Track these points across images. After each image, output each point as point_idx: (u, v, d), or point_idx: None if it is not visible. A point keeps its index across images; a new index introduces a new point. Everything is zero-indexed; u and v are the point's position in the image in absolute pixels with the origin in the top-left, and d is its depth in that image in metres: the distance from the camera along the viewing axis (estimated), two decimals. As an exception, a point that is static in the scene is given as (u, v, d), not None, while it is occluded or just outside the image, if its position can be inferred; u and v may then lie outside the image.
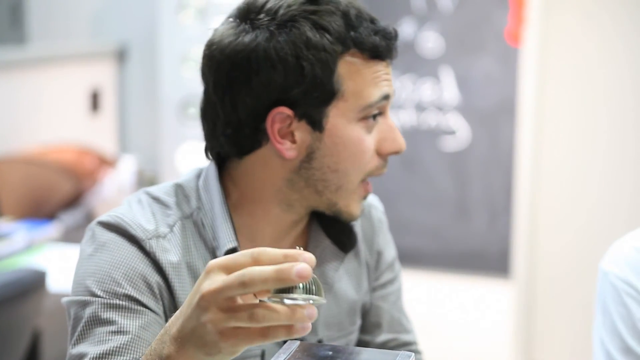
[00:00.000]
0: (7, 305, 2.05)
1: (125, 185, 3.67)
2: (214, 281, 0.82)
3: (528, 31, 3.39)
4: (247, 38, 1.12)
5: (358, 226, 1.31)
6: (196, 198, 1.19)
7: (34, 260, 2.60)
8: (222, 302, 0.82)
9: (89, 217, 3.14)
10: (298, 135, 1.14)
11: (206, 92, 1.18)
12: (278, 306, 0.81)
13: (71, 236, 2.91)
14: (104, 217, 1.16)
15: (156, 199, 1.19)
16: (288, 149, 1.15)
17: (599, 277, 1.43)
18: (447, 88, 3.51)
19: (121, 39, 3.97)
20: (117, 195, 3.45)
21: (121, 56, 3.98)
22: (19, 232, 2.75)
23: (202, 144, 1.22)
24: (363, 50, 1.14)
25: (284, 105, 1.12)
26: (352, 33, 1.13)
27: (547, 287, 3.58)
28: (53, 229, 2.90)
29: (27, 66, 3.49)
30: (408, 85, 3.55)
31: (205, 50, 1.17)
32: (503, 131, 3.46)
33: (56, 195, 3.06)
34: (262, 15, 1.13)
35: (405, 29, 3.50)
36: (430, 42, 3.49)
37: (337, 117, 1.14)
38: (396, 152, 1.19)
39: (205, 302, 0.82)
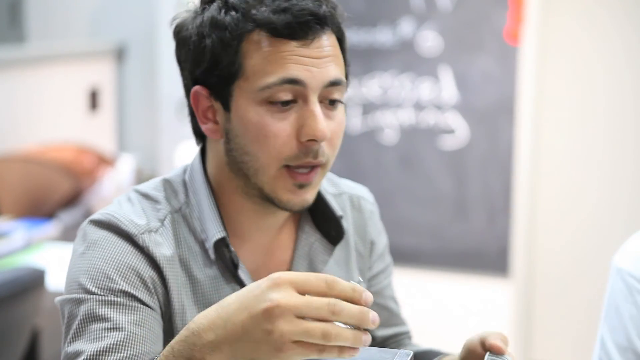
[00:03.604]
0: (6, 304, 2.05)
1: (124, 184, 3.67)
2: (291, 295, 0.86)
3: (527, 30, 3.39)
4: (177, 22, 1.18)
5: (349, 218, 1.32)
6: (184, 192, 1.20)
7: (33, 259, 2.60)
8: (297, 317, 0.85)
9: (87, 216, 3.13)
10: (218, 116, 1.15)
11: None
12: (346, 330, 0.86)
13: (70, 235, 2.91)
14: (95, 216, 1.17)
15: (145, 196, 1.19)
16: (210, 129, 1.16)
17: (611, 273, 1.40)
18: (446, 87, 3.51)
19: (120, 37, 3.97)
20: (115, 194, 3.45)
21: (120, 55, 3.98)
22: (18, 231, 2.75)
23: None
24: (264, 29, 1.11)
25: (201, 85, 1.15)
26: (253, 11, 1.11)
27: (546, 285, 3.58)
28: (52, 227, 2.90)
29: (25, 65, 3.49)
30: (407, 84, 3.55)
31: None
32: (502, 130, 3.46)
33: (55, 194, 3.06)
34: (197, 1, 1.18)
35: (404, 28, 3.50)
36: (429, 41, 3.49)
37: (240, 97, 1.12)
38: (312, 140, 1.11)
39: (280, 311, 0.85)
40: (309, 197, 1.16)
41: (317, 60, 1.11)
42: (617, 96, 3.45)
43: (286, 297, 0.85)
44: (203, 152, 1.22)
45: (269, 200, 1.16)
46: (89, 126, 3.83)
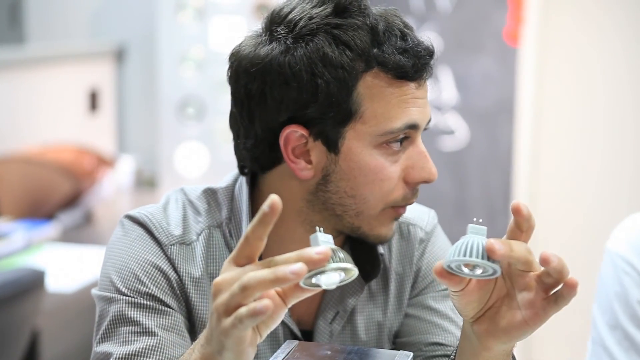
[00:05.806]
0: (6, 305, 2.05)
1: (123, 185, 3.67)
2: (224, 293, 0.85)
3: (526, 31, 3.39)
4: (263, 51, 1.07)
5: (393, 248, 1.24)
6: (228, 208, 1.16)
7: (33, 260, 2.60)
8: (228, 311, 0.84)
9: (87, 217, 3.14)
10: (313, 156, 1.08)
11: (230, 102, 1.14)
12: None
13: (70, 236, 2.91)
14: (134, 212, 1.15)
15: (191, 202, 1.16)
16: (302, 169, 1.08)
17: (604, 253, 1.46)
18: (446, 88, 3.51)
19: (120, 38, 3.97)
20: (115, 195, 3.46)
21: (120, 56, 3.98)
22: (18, 232, 2.75)
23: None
24: (387, 69, 1.05)
25: (298, 123, 1.06)
26: (375, 50, 1.04)
27: (546, 286, 3.58)
28: (52, 228, 2.90)
29: (25, 66, 3.49)
30: (407, 85, 3.55)
31: (228, 59, 1.12)
32: (501, 131, 3.46)
33: (55, 195, 3.06)
34: (281, 27, 1.07)
35: (404, 29, 3.50)
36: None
37: (353, 140, 1.06)
38: (425, 181, 1.09)
39: (215, 311, 0.85)
40: (395, 227, 1.14)
41: (424, 101, 1.10)
42: (616, 96, 3.45)
43: (221, 297, 0.84)
44: (252, 172, 1.15)
45: (360, 236, 1.12)
46: (89, 127, 3.83)
